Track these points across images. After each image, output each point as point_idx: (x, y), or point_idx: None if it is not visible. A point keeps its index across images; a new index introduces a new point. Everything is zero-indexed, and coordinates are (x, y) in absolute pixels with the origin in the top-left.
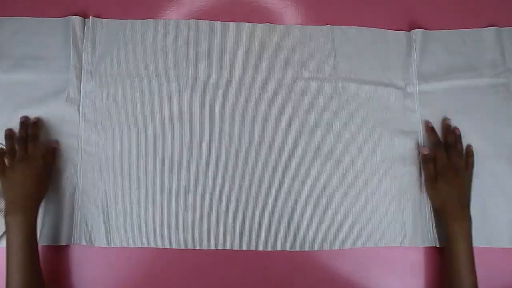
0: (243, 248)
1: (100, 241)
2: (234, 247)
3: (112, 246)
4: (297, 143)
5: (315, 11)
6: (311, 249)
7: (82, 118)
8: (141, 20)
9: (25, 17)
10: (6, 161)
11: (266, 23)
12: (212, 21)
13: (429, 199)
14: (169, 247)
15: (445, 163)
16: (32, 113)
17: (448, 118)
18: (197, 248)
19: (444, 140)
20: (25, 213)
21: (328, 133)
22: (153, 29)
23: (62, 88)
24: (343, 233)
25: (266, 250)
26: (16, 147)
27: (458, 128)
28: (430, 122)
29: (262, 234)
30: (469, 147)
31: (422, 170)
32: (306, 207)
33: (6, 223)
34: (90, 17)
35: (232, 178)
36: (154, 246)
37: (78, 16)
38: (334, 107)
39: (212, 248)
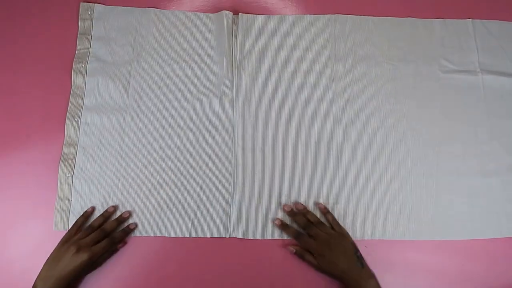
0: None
1: (256, 234)
2: None
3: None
4: (440, 135)
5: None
6: (410, 238)
7: (235, 113)
8: (287, 16)
9: (181, 11)
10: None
11: (407, 17)
12: (355, 15)
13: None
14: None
15: (322, 238)
16: (187, 107)
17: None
18: None
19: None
20: None
21: (471, 124)
22: (300, 24)
23: (216, 83)
24: (442, 225)
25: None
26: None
27: (300, 204)
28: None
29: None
30: (319, 204)
31: (303, 258)
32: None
33: None
34: (240, 13)
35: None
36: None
37: (230, 12)
38: (479, 100)
39: None
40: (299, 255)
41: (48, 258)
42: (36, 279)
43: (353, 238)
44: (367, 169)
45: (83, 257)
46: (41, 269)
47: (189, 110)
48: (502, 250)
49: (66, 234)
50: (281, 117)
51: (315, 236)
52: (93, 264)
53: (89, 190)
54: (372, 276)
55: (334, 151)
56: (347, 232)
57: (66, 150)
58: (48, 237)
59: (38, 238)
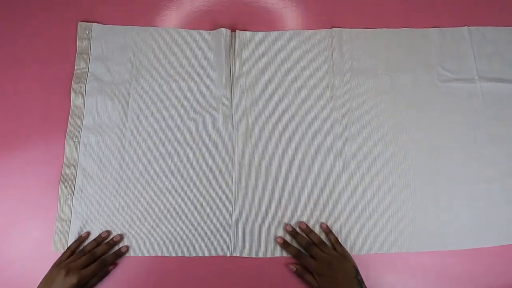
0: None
1: (257, 253)
2: None
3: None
4: (440, 142)
5: (314, 13)
6: (416, 250)
7: (235, 131)
8: (284, 32)
9: (179, 29)
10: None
11: (404, 28)
12: (352, 29)
13: None
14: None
15: (323, 259)
16: (186, 125)
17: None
18: None
19: (311, 240)
20: None
21: (472, 132)
22: (296, 40)
23: (215, 100)
24: (444, 234)
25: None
26: (84, 254)
27: (303, 223)
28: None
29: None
30: (322, 224)
31: (303, 277)
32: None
33: None
34: (237, 30)
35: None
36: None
37: (227, 29)
38: (478, 107)
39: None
40: (299, 275)
41: (41, 281)
42: None
43: (356, 253)
44: (367, 182)
45: (72, 280)
46: None
47: (188, 128)
48: (502, 250)
49: (59, 258)
50: (280, 133)
51: (316, 256)
52: (83, 287)
53: (89, 211)
54: None
55: (334, 165)
56: (349, 254)
57: (65, 170)
58: (48, 238)
59: (38, 238)
